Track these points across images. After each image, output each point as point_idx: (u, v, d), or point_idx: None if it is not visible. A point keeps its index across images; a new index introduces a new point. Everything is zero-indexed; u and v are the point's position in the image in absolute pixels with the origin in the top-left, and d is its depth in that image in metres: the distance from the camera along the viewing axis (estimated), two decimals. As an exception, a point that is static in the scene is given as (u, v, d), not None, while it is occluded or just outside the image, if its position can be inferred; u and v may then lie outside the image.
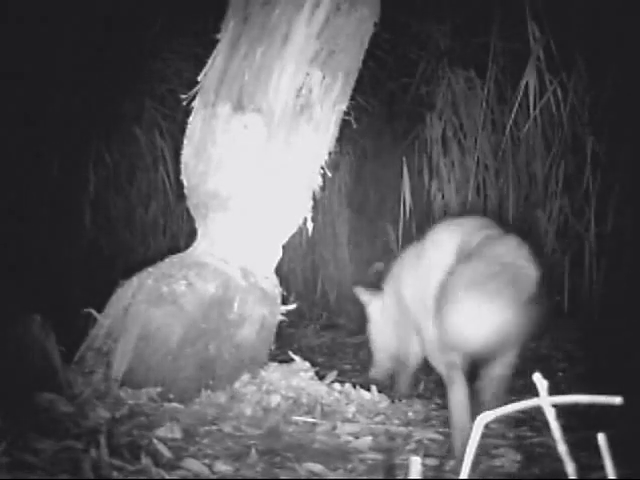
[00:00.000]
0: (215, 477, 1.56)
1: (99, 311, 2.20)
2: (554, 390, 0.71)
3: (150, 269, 2.26)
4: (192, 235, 2.47)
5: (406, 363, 2.27)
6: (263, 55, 2.26)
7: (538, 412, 0.83)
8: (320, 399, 2.16)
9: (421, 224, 4.39)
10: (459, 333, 1.66)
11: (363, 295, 2.41)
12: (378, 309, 2.42)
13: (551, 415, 0.71)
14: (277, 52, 2.25)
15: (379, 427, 2.02)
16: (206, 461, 1.63)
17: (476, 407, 1.79)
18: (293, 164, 2.30)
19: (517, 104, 3.96)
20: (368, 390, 2.30)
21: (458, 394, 1.77)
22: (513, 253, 1.79)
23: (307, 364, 2.35)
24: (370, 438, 1.90)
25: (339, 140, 2.46)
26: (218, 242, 2.31)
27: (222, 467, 1.61)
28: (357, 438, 1.91)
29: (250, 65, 2.26)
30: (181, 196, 2.84)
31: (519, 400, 0.75)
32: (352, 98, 2.41)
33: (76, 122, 4.62)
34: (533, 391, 0.73)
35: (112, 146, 5.12)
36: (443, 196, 4.34)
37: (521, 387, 2.80)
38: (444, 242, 1.96)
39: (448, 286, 1.73)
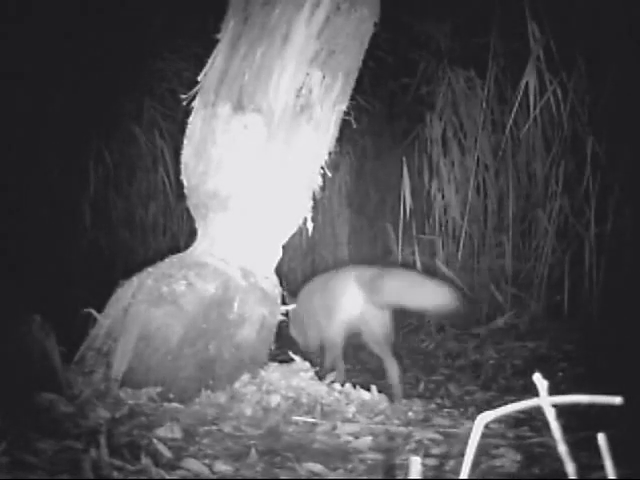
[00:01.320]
0: (215, 477, 1.56)
1: (99, 311, 2.20)
2: (554, 390, 0.71)
3: (150, 269, 2.26)
4: (192, 235, 2.48)
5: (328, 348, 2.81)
6: (263, 55, 2.25)
7: (538, 412, 0.83)
8: (320, 399, 2.16)
9: (421, 224, 4.40)
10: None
11: (287, 298, 2.95)
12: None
13: (551, 415, 0.71)
14: (277, 52, 2.25)
15: (379, 427, 2.02)
16: (206, 461, 1.62)
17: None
18: (293, 164, 2.30)
19: (517, 104, 3.95)
20: (368, 390, 2.30)
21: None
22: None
23: (307, 364, 2.34)
24: (370, 438, 1.90)
25: (339, 140, 2.46)
26: (218, 242, 2.31)
27: (222, 467, 1.61)
28: (357, 438, 1.91)
29: (250, 65, 2.26)
30: (181, 196, 2.84)
31: (519, 400, 0.75)
32: (352, 98, 2.41)
33: (76, 122, 4.62)
34: (533, 391, 0.73)
35: (112, 146, 5.12)
36: (443, 196, 4.34)
37: (521, 387, 2.81)
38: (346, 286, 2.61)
39: None
